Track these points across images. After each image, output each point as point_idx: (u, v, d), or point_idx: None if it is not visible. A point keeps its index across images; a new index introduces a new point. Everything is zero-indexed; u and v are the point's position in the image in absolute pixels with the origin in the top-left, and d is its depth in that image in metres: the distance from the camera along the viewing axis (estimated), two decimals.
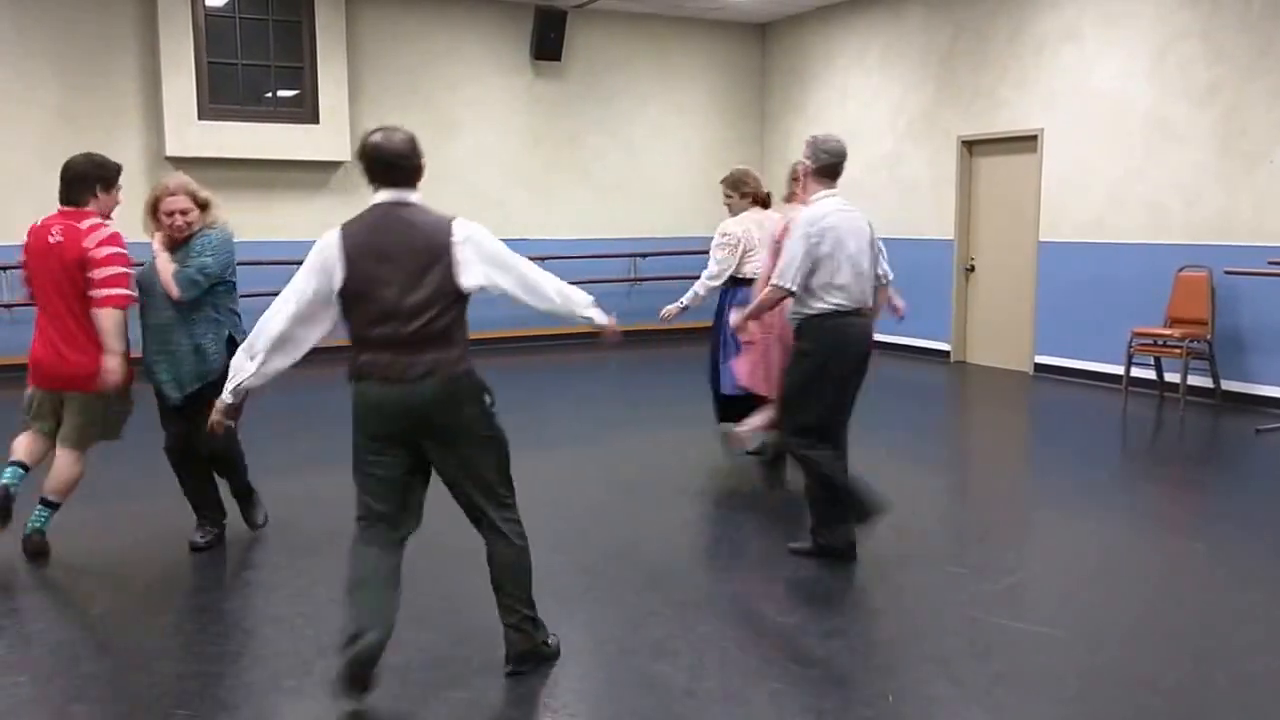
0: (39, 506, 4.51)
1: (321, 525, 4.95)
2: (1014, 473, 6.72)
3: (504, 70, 11.48)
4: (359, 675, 3.12)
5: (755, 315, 4.74)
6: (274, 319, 3.26)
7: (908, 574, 4.48)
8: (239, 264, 4.61)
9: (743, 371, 5.51)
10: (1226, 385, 8.05)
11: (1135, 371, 8.29)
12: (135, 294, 4.44)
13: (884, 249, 4.67)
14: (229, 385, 3.39)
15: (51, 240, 4.40)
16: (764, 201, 6.11)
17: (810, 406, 4.44)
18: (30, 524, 4.49)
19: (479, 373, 3.30)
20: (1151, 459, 7.09)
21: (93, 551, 4.77)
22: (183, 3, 9.66)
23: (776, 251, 4.64)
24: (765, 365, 5.38)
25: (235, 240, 4.56)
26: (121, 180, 4.63)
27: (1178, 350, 7.94)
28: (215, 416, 3.53)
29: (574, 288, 3.44)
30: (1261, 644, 3.73)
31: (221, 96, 9.99)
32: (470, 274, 3.20)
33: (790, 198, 5.66)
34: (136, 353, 4.49)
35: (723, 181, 6.18)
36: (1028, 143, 9.59)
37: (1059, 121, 9.27)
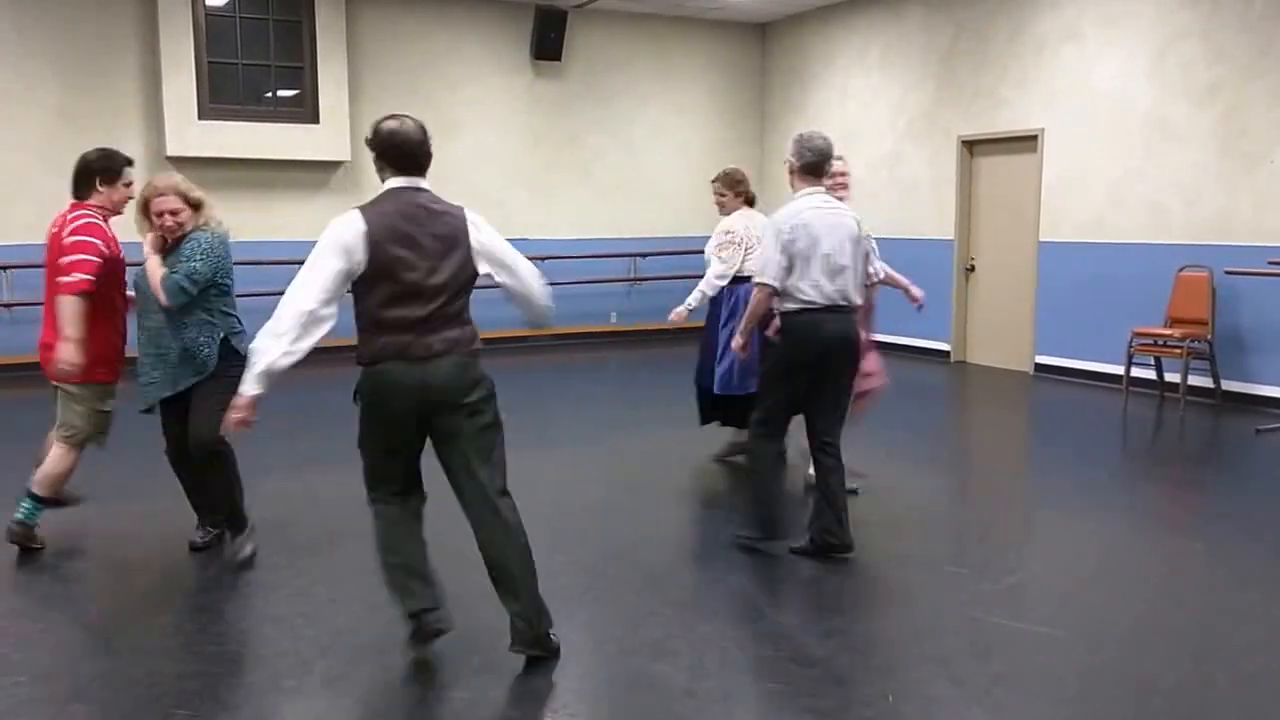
0: (24, 498, 4.54)
1: (321, 525, 4.96)
2: (1014, 473, 6.72)
3: (504, 70, 11.48)
4: (431, 639, 3.46)
5: (751, 322, 4.70)
6: (301, 296, 3.18)
7: (908, 574, 4.47)
8: (238, 264, 4.56)
9: None
10: (1227, 385, 8.05)
11: (1135, 371, 8.29)
12: (93, 280, 4.34)
13: (875, 248, 4.65)
14: (253, 373, 3.20)
15: (50, 232, 4.51)
16: (751, 202, 6.12)
17: (772, 398, 4.56)
18: (15, 515, 4.54)
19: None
20: (1151, 459, 7.09)
21: (93, 552, 4.78)
22: (183, 2, 9.66)
23: None
24: None
25: (232, 241, 4.50)
26: (133, 175, 4.64)
27: (1178, 350, 7.94)
28: (237, 414, 3.28)
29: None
30: (1261, 644, 3.73)
31: (222, 96, 9.98)
32: (481, 261, 3.37)
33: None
34: (133, 353, 4.49)
35: (717, 180, 6.14)
36: (1028, 143, 9.59)
37: (1059, 121, 9.27)
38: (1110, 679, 3.43)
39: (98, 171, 4.53)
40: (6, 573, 4.42)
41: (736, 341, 4.83)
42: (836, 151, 4.66)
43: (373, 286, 3.24)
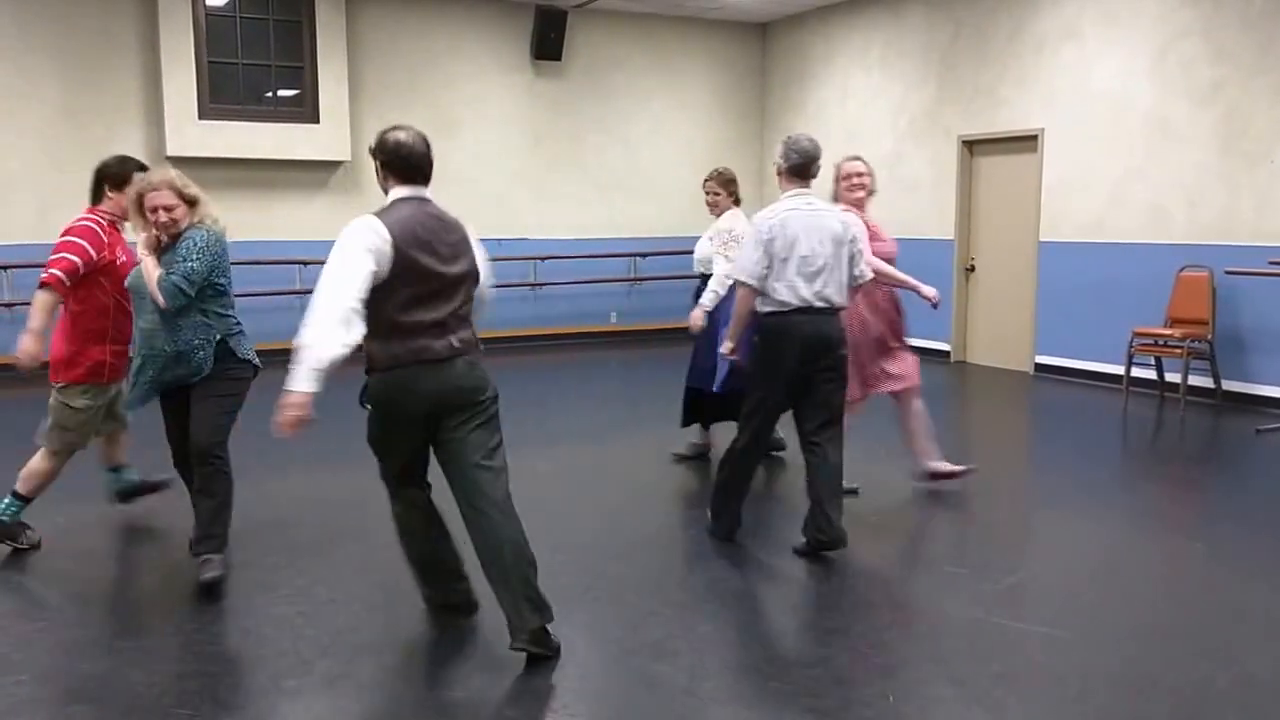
0: (8, 495, 4.58)
1: (321, 525, 4.95)
2: (1014, 473, 6.72)
3: (504, 69, 11.48)
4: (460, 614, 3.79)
5: (738, 323, 4.68)
6: (344, 291, 3.16)
7: (908, 574, 4.47)
8: (237, 264, 4.51)
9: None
10: (1227, 385, 8.05)
11: (1136, 371, 8.29)
12: (64, 278, 4.37)
13: (863, 250, 4.62)
14: (308, 370, 3.12)
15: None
16: (739, 203, 6.15)
17: (754, 398, 4.62)
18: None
19: None
20: (1152, 459, 7.09)
21: (93, 551, 4.77)
22: (183, 1, 9.65)
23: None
24: (855, 365, 5.21)
25: (229, 240, 4.36)
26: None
27: (1178, 350, 7.94)
28: (291, 413, 3.16)
29: None
30: (1261, 644, 3.73)
31: (222, 96, 9.98)
32: (481, 267, 3.55)
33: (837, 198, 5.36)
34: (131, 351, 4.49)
35: (711, 179, 6.09)
36: (1028, 142, 9.58)
37: (1059, 121, 9.26)
38: (1110, 679, 3.43)
39: (108, 177, 4.55)
40: (8, 573, 4.42)
41: (725, 346, 4.83)
42: (853, 154, 4.76)
43: (392, 291, 3.27)
